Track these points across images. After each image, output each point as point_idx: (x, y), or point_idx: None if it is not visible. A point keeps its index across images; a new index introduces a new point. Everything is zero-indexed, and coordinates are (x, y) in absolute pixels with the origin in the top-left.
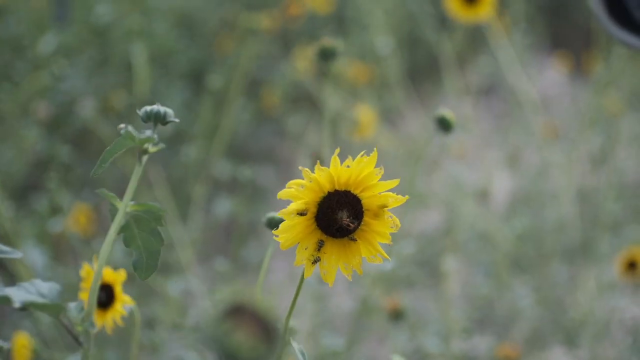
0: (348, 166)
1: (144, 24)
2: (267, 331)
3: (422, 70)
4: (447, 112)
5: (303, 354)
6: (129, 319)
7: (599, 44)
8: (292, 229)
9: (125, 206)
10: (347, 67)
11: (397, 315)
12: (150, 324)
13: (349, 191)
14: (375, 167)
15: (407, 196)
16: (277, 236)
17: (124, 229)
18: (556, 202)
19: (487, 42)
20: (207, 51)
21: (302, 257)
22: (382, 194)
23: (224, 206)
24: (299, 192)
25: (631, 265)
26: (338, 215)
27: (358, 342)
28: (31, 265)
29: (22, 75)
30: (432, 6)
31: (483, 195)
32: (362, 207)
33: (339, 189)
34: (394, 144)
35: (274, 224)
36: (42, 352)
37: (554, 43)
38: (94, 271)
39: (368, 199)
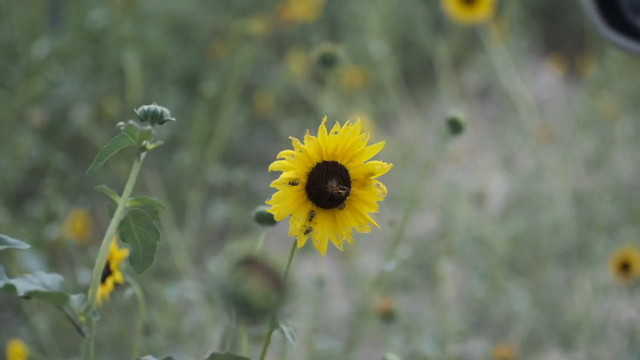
0: (336, 132)
1: (137, 30)
2: (278, 283)
3: (416, 74)
4: (458, 113)
5: (293, 336)
6: (126, 325)
7: (593, 46)
8: (285, 199)
9: (124, 201)
10: (342, 71)
11: (388, 317)
12: (147, 329)
13: (337, 161)
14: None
15: (391, 164)
16: (270, 207)
17: (121, 224)
18: (551, 204)
19: (481, 45)
20: (201, 57)
21: (295, 227)
22: (369, 162)
23: (218, 211)
24: (290, 162)
25: (624, 267)
26: (328, 184)
27: (354, 346)
28: (27, 271)
29: (16, 82)
30: (427, 9)
31: (478, 199)
32: (349, 177)
33: (327, 160)
34: (389, 148)
35: (263, 218)
36: (37, 359)
37: (548, 46)
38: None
39: (355, 169)
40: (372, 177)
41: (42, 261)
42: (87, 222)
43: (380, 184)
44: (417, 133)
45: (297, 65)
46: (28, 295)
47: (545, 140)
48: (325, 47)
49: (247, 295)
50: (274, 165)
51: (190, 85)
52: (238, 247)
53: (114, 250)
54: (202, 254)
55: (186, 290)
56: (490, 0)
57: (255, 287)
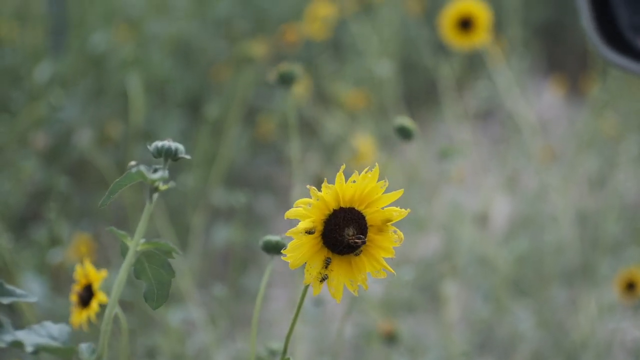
0: (354, 181)
1: (140, 53)
2: None
3: (419, 96)
4: (405, 120)
5: None
6: (129, 347)
7: (595, 66)
8: (301, 248)
9: (136, 245)
10: (345, 92)
11: (391, 339)
12: (150, 353)
13: (354, 208)
14: (378, 182)
15: (408, 209)
16: (285, 255)
17: (134, 262)
18: (555, 224)
19: (484, 66)
20: (204, 79)
21: (311, 275)
22: (386, 208)
23: (222, 234)
24: (307, 211)
25: (630, 286)
26: (345, 233)
27: None
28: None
29: (19, 106)
30: (430, 31)
31: (482, 220)
32: (366, 223)
33: (344, 206)
34: (392, 170)
35: (270, 247)
36: None
37: (550, 65)
38: (84, 272)
39: (372, 215)
40: (389, 223)
41: (45, 285)
42: (91, 245)
43: (397, 230)
44: (420, 154)
45: (300, 87)
46: (36, 351)
47: (549, 161)
48: (283, 66)
49: None
50: (290, 213)
51: (193, 108)
52: None
53: (91, 272)
54: (206, 277)
55: (189, 313)
56: (487, 26)
57: None
